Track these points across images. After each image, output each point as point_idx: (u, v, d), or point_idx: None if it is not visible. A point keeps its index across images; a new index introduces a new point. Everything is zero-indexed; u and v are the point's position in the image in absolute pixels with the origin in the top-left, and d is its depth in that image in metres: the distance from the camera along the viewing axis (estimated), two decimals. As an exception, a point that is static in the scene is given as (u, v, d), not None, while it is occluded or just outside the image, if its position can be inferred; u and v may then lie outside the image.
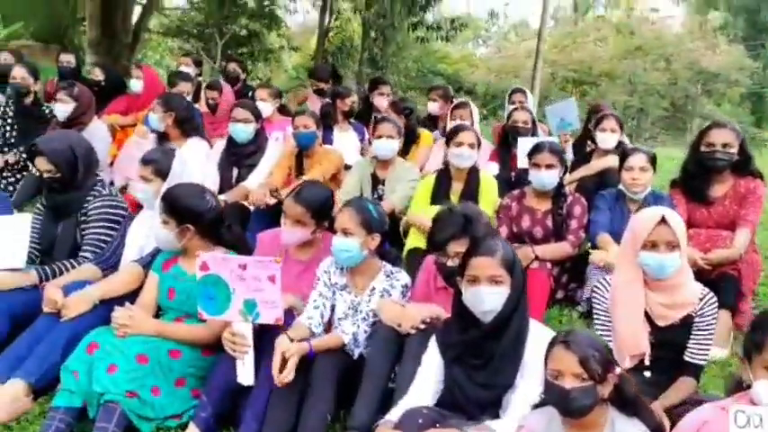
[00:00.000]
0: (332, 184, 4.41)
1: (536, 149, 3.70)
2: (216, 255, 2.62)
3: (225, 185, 4.49)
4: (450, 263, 2.68)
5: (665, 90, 23.84)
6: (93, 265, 3.28)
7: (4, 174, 4.95)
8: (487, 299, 2.24)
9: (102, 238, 3.38)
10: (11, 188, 4.92)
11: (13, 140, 5.14)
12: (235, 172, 4.54)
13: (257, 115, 4.57)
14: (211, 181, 4.41)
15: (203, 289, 2.57)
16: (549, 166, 3.63)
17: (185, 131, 4.62)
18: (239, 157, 4.55)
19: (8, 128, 5.17)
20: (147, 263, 3.08)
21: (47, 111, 5.28)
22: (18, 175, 4.99)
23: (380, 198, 4.20)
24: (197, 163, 4.55)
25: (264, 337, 2.58)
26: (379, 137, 4.20)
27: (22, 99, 5.22)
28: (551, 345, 1.94)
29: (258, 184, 4.36)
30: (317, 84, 6.50)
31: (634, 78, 24.01)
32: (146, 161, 3.32)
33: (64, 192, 3.40)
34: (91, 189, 3.47)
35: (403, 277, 2.82)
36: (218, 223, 2.97)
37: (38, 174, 3.53)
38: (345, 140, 5.29)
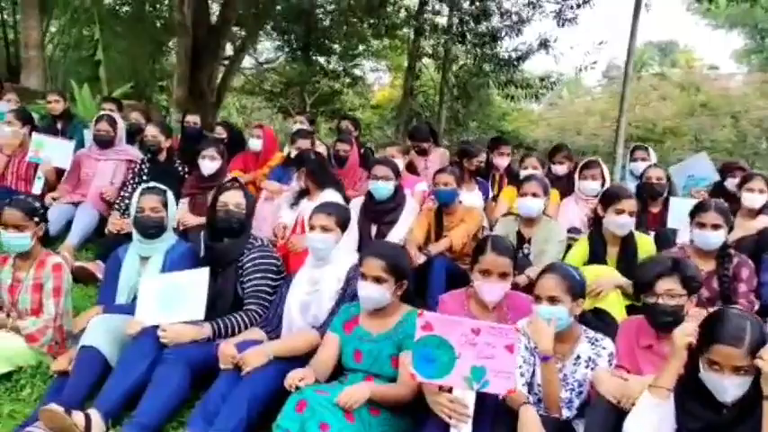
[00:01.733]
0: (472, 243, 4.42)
1: (701, 208, 3.63)
2: (442, 316, 2.60)
3: (364, 241, 4.52)
4: (660, 301, 2.63)
5: (732, 147, 23.50)
6: (259, 329, 3.32)
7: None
8: (730, 390, 2.15)
9: (264, 288, 3.44)
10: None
11: (148, 196, 5.29)
12: (374, 228, 4.58)
13: (397, 172, 4.63)
14: (352, 236, 4.48)
15: (421, 349, 2.53)
16: (715, 226, 3.55)
17: (320, 183, 4.78)
18: (379, 214, 4.59)
19: (142, 184, 5.31)
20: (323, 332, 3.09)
21: (180, 168, 5.46)
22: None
23: (526, 257, 4.17)
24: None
25: (479, 403, 2.51)
26: (524, 195, 4.20)
27: (156, 157, 5.41)
28: None
29: (400, 241, 4.38)
30: (418, 144, 6.55)
31: (700, 135, 23.76)
32: (329, 211, 3.34)
33: (233, 235, 3.50)
34: (247, 241, 3.55)
35: (608, 345, 2.74)
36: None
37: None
38: (471, 199, 5.29)
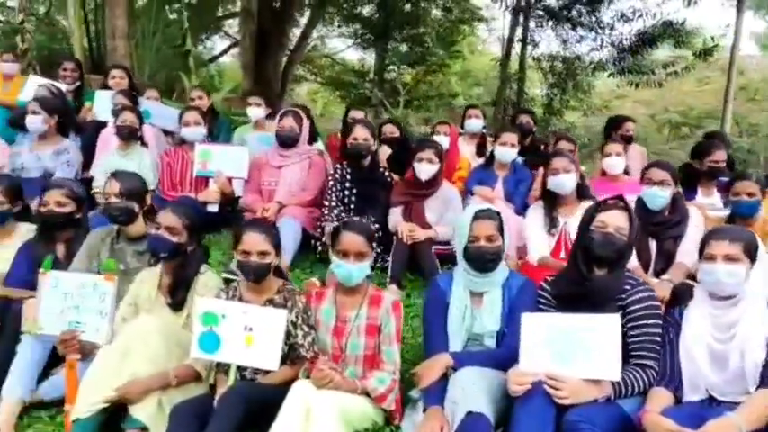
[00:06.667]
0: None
1: None
2: None
3: (644, 260, 3.93)
4: None
5: (773, 130, 23.11)
6: (663, 388, 2.69)
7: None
8: None
9: (656, 338, 2.78)
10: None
11: (352, 206, 4.70)
12: (653, 245, 3.98)
13: (675, 178, 4.03)
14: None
15: None
16: None
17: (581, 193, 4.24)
18: (658, 227, 4.00)
19: (346, 191, 4.73)
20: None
21: (386, 174, 4.84)
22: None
23: None
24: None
25: None
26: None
27: (361, 161, 4.78)
28: None
29: (693, 265, 3.80)
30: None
31: (740, 119, 23.37)
32: (733, 237, 2.71)
33: (608, 265, 2.88)
34: (624, 274, 2.94)
35: None
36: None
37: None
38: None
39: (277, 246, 2.91)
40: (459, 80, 21.53)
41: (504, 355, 2.84)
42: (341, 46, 15.64)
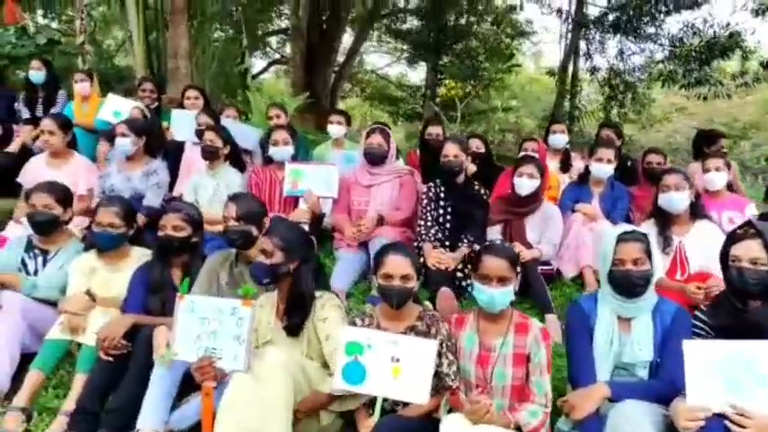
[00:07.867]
0: None
1: None
2: None
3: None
4: None
5: (824, 142, 22.52)
6: None
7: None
8: None
9: None
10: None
11: (448, 225, 4.56)
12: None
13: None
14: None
15: None
16: None
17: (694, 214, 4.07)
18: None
19: (440, 210, 4.59)
20: None
21: (482, 191, 4.70)
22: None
23: None
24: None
25: None
26: None
27: (454, 179, 4.65)
28: None
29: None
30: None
31: (787, 130, 22.82)
32: None
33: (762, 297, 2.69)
34: None
35: None
36: None
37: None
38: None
39: (419, 270, 2.78)
40: (496, 93, 21.41)
41: (663, 387, 2.65)
42: (381, 61, 15.58)
